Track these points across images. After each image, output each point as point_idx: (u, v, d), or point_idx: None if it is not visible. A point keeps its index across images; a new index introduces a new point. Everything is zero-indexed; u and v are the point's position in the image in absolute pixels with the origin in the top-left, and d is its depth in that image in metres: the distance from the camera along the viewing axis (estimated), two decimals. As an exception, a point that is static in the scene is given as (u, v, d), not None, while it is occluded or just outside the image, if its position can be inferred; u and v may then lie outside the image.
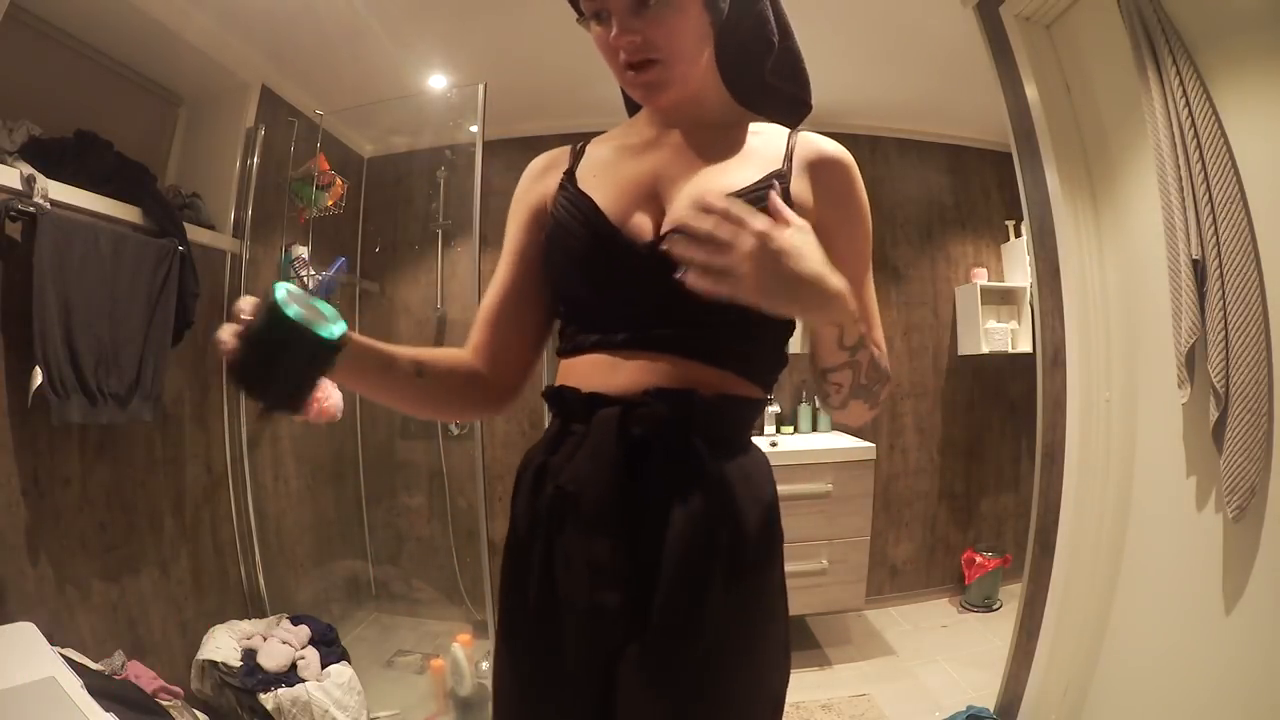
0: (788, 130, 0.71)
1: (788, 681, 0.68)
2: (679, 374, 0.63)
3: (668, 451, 0.61)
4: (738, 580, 0.61)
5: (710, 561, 0.59)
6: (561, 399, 0.67)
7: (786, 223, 0.54)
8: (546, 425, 0.71)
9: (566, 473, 0.63)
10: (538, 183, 0.75)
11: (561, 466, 0.64)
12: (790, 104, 0.77)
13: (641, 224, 0.66)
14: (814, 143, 0.69)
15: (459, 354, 0.74)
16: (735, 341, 0.65)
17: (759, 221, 0.51)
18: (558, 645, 0.62)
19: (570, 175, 0.71)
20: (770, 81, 0.74)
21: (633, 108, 0.78)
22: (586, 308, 0.69)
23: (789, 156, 0.67)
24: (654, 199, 0.67)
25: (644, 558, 0.60)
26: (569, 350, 0.70)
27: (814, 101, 0.79)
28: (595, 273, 0.67)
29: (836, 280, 0.56)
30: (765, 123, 0.73)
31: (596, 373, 0.66)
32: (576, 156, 0.74)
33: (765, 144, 0.70)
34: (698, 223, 0.51)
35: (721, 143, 0.69)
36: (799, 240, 0.54)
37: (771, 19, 0.73)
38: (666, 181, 0.68)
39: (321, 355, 0.60)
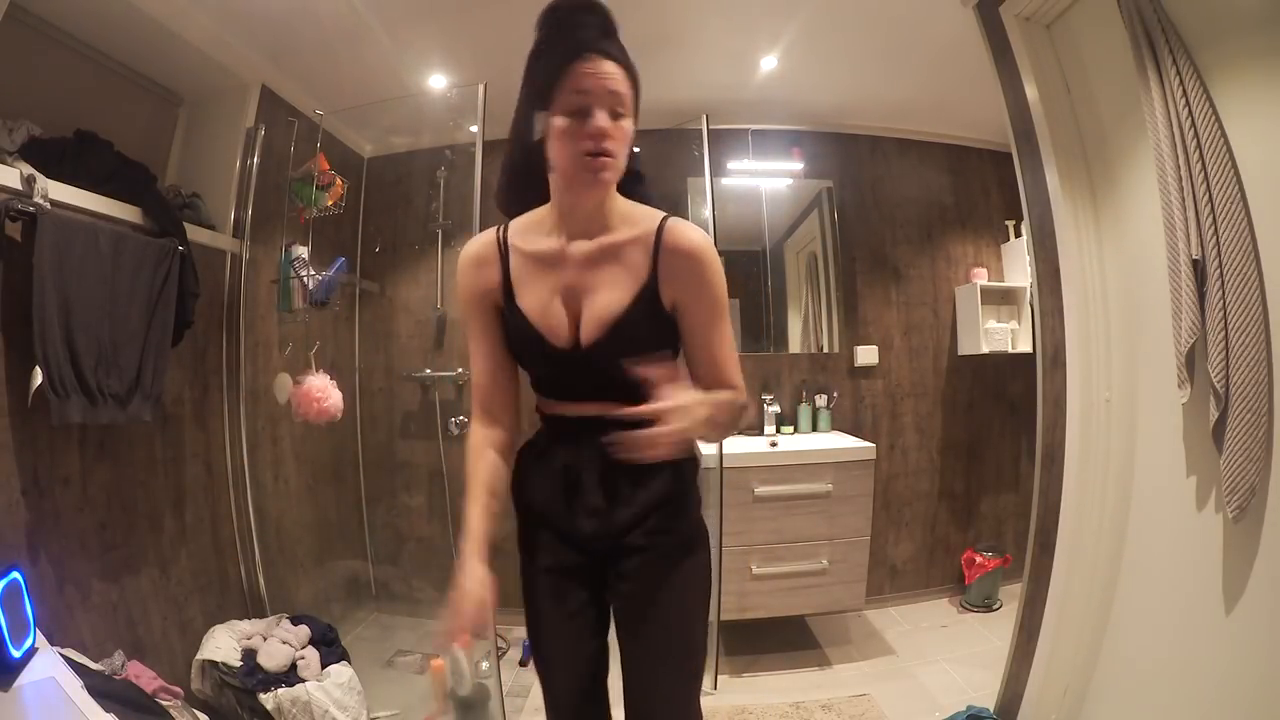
0: (658, 219, 0.92)
1: (710, 589, 1.04)
2: (607, 407, 0.88)
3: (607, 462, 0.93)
4: (669, 520, 0.98)
5: (651, 507, 0.96)
6: (556, 419, 1.01)
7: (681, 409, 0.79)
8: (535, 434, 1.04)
9: (563, 458, 0.98)
10: (478, 277, 0.96)
11: (557, 454, 0.99)
12: (633, 180, 0.96)
13: (568, 335, 0.93)
14: (675, 238, 0.91)
15: (499, 444, 1.00)
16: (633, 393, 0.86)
17: (673, 424, 0.77)
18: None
19: (510, 295, 0.94)
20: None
21: (519, 204, 0.98)
22: (547, 380, 1.00)
23: (655, 258, 0.90)
24: (570, 309, 0.93)
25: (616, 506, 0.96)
26: (545, 397, 1.01)
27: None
28: (547, 367, 0.98)
29: (726, 409, 0.91)
30: (635, 204, 0.96)
31: (566, 408, 0.99)
32: (504, 261, 0.95)
33: (638, 245, 0.91)
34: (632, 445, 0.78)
35: (608, 256, 0.92)
36: (699, 414, 0.81)
37: None
38: (575, 296, 0.93)
39: None
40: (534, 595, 1.02)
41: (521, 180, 0.95)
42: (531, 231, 0.95)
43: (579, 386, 0.96)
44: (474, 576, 0.88)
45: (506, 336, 0.98)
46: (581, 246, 0.92)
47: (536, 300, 0.93)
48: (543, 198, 0.94)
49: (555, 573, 1.00)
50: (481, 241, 0.96)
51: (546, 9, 0.85)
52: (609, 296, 0.91)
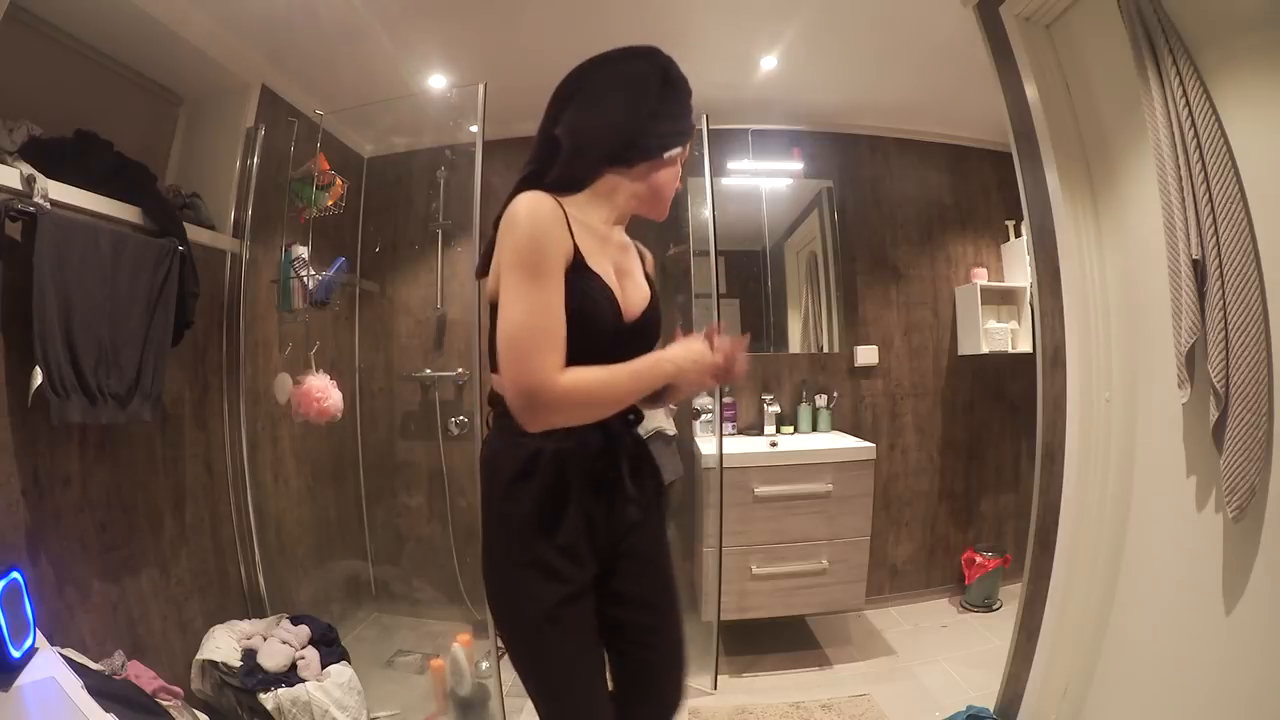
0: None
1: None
2: None
3: (634, 439, 1.07)
4: (658, 498, 1.10)
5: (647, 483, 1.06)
6: None
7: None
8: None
9: (595, 445, 0.98)
10: (562, 235, 0.91)
11: (590, 444, 0.98)
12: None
13: (625, 308, 0.98)
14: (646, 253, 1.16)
15: None
16: None
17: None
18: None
19: (582, 259, 0.93)
20: None
21: (564, 187, 1.00)
22: (595, 355, 0.93)
23: (639, 250, 1.13)
24: (620, 285, 1.00)
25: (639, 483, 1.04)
26: None
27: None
28: (609, 338, 0.95)
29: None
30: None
31: None
32: (570, 231, 0.93)
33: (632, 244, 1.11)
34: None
35: (629, 247, 1.09)
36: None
37: None
38: (621, 274, 1.02)
39: None
40: (553, 638, 0.93)
41: (586, 168, 1.00)
42: (577, 209, 0.97)
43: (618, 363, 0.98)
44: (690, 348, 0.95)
45: (571, 303, 0.91)
46: (619, 234, 1.06)
47: (603, 270, 0.96)
48: (575, 184, 1.00)
49: (574, 600, 0.94)
50: (550, 202, 0.90)
51: (681, 77, 1.03)
52: (640, 279, 1.06)
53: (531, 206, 0.88)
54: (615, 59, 1.00)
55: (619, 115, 0.98)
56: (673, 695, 1.07)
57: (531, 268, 0.86)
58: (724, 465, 2.21)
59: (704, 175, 2.25)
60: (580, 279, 0.92)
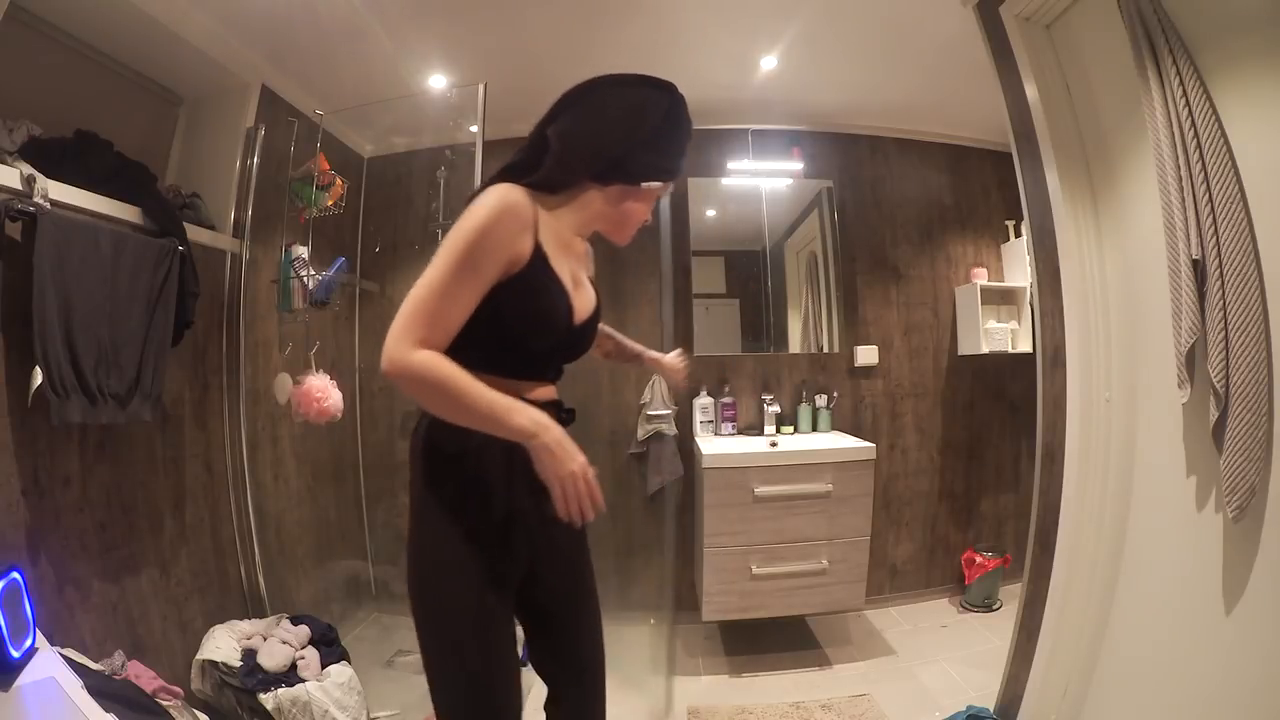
0: None
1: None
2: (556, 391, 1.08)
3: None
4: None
5: None
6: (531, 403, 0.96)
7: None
8: None
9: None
10: (519, 233, 0.91)
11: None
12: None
13: (576, 312, 1.00)
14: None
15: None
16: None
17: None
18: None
19: (545, 259, 0.95)
20: None
21: (543, 186, 1.00)
22: (540, 356, 1.01)
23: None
24: (573, 291, 1.01)
25: None
26: (517, 378, 0.98)
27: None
28: (556, 339, 1.00)
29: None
30: None
31: (539, 393, 1.02)
32: (535, 232, 0.94)
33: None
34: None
35: (585, 259, 1.13)
36: None
37: None
38: (577, 285, 1.04)
39: None
40: (480, 626, 0.94)
41: (567, 174, 1.01)
42: (549, 211, 0.99)
43: (556, 366, 1.06)
44: (568, 441, 0.87)
45: (520, 302, 0.92)
46: (580, 244, 1.09)
47: (564, 272, 0.98)
48: (554, 187, 1.01)
49: (501, 590, 0.96)
50: (523, 199, 0.92)
51: (686, 120, 1.04)
52: (589, 288, 1.09)
53: (503, 203, 0.89)
54: (631, 81, 1.00)
55: (612, 133, 0.99)
56: (596, 685, 1.10)
57: (464, 257, 0.87)
58: (724, 466, 2.22)
59: (707, 176, 2.24)
60: (544, 277, 0.94)
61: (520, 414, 0.86)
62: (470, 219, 0.88)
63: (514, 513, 0.97)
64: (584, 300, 1.04)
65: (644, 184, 1.02)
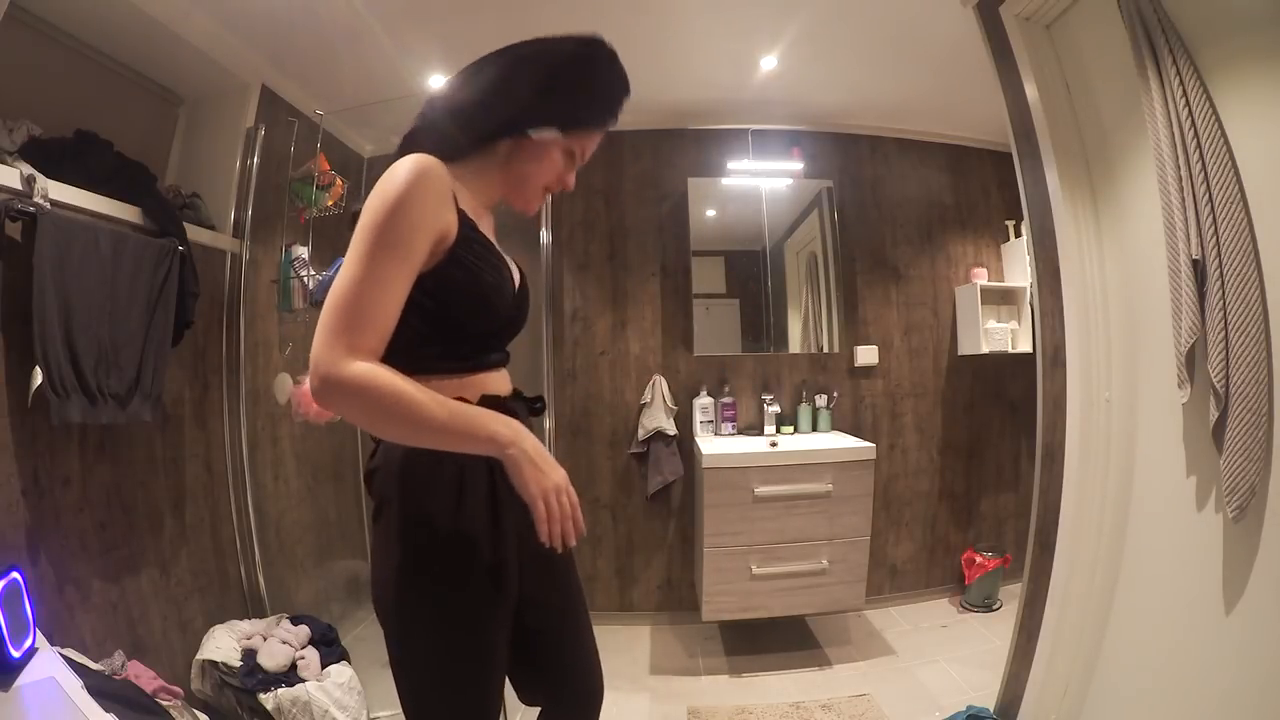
0: None
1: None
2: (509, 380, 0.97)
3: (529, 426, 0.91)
4: None
5: None
6: (498, 404, 0.87)
7: None
8: None
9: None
10: (443, 204, 0.80)
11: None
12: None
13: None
14: None
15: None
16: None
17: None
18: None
19: (474, 226, 0.85)
20: None
21: (447, 153, 0.87)
22: (490, 339, 0.91)
23: None
24: None
25: None
26: (473, 368, 0.89)
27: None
28: (504, 314, 0.90)
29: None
30: None
31: (501, 382, 0.93)
32: (456, 202, 0.84)
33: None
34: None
35: (492, 226, 0.98)
36: None
37: None
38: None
39: None
40: (477, 665, 0.86)
41: (472, 136, 0.89)
42: (460, 181, 0.88)
43: (502, 347, 0.94)
44: (545, 451, 0.79)
45: (459, 280, 0.82)
46: (489, 219, 0.97)
47: (491, 239, 0.90)
48: (457, 152, 0.89)
49: (501, 621, 0.87)
50: (439, 172, 0.80)
51: (618, 69, 0.91)
52: (510, 260, 0.97)
53: (416, 172, 0.76)
54: (554, 39, 0.89)
55: (502, 86, 0.87)
56: (592, 697, 1.03)
57: (383, 236, 0.74)
58: (724, 466, 2.23)
59: (707, 176, 2.25)
60: (479, 248, 0.84)
61: (492, 421, 0.75)
62: (385, 194, 0.76)
63: (508, 544, 0.86)
64: (511, 265, 0.96)
65: (532, 133, 0.88)
